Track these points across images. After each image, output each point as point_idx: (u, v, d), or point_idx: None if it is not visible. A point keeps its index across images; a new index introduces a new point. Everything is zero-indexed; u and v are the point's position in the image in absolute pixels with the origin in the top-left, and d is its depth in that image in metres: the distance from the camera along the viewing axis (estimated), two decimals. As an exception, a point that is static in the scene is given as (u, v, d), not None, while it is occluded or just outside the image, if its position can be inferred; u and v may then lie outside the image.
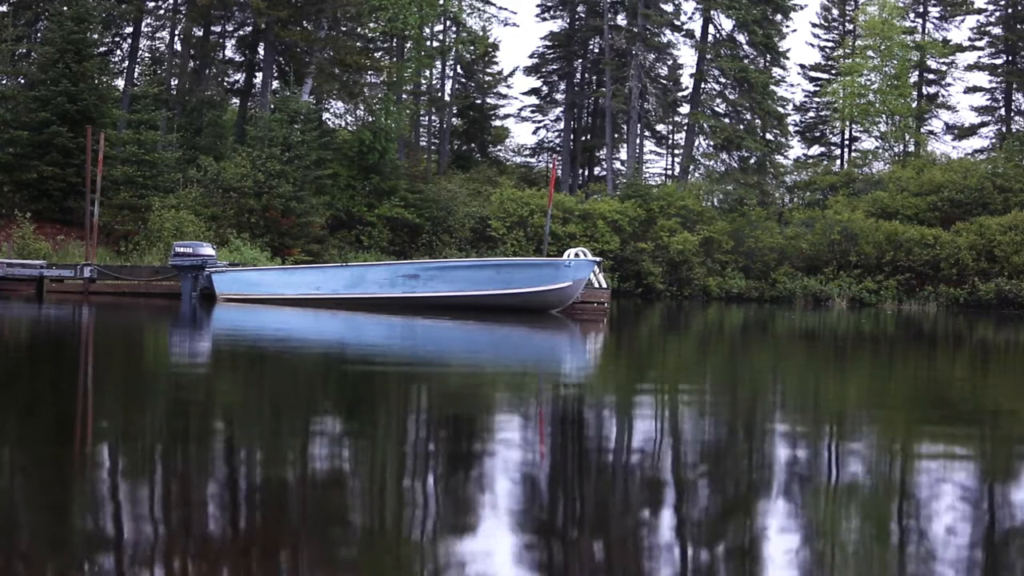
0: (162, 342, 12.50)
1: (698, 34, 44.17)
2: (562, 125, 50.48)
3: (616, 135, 46.57)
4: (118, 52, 39.38)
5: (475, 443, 5.45)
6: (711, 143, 44.84)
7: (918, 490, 4.61)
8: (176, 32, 38.21)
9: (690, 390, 8.78)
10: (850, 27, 50.26)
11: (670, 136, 54.21)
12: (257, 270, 21.65)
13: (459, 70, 48.83)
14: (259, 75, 36.99)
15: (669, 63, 48.55)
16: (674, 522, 3.91)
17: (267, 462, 4.79)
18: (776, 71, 45.96)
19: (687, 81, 48.19)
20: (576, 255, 20.08)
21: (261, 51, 36.08)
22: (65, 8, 29.33)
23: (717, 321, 22.75)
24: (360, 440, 5.52)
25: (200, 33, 36.86)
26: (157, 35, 42.28)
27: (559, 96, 50.51)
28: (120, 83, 35.37)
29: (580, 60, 49.04)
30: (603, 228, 34.85)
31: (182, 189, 28.86)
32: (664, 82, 47.80)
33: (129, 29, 38.00)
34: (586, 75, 49.72)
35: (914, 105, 46.19)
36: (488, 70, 52.15)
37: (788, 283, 35.92)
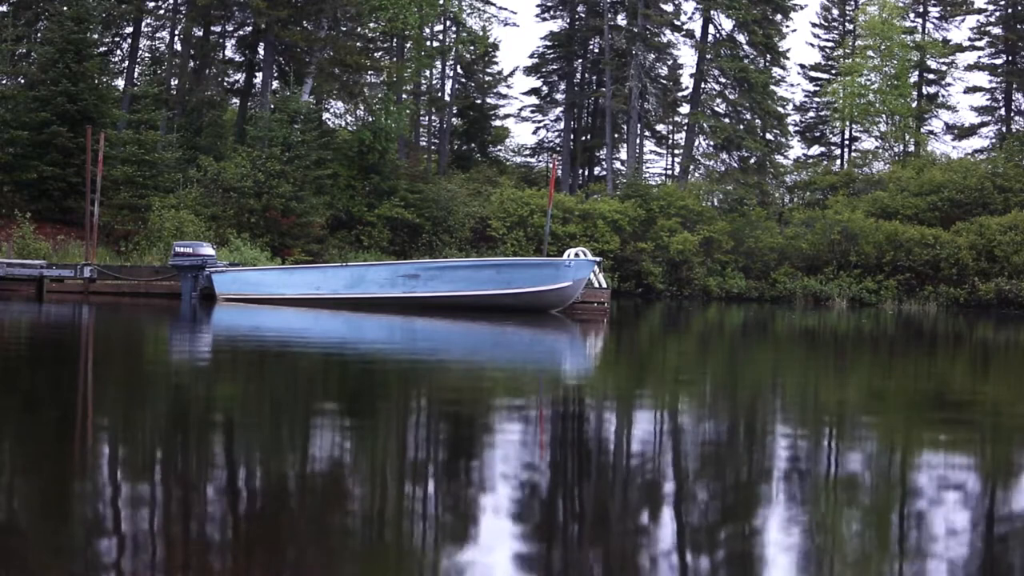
0: (162, 342, 12.50)
1: (698, 34, 44.16)
2: (562, 125, 50.45)
3: (616, 135, 46.54)
4: (118, 52, 39.38)
5: (475, 443, 5.45)
6: (711, 143, 44.81)
7: (919, 491, 4.61)
8: (176, 32, 38.20)
9: (691, 390, 8.77)
10: (850, 27, 50.24)
11: (670, 136, 54.20)
12: (257, 270, 21.64)
13: (459, 70, 48.80)
14: (259, 75, 36.97)
15: (669, 63, 48.55)
16: (674, 522, 3.91)
17: (266, 462, 4.79)
18: (776, 71, 45.92)
19: (687, 81, 48.21)
20: (576, 255, 20.07)
21: (261, 51, 36.06)
22: (65, 8, 29.29)
23: (717, 321, 22.74)
24: (360, 440, 5.52)
25: (200, 33, 36.84)
26: (157, 35, 42.31)
27: (559, 96, 50.47)
28: (120, 83, 35.35)
29: (580, 60, 49.02)
30: (603, 228, 34.82)
31: (182, 189, 28.85)
32: (664, 82, 47.77)
33: (129, 29, 37.99)
34: (586, 75, 49.69)
35: (914, 105, 46.17)
36: (488, 70, 52.12)
37: (788, 283, 35.90)
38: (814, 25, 52.51)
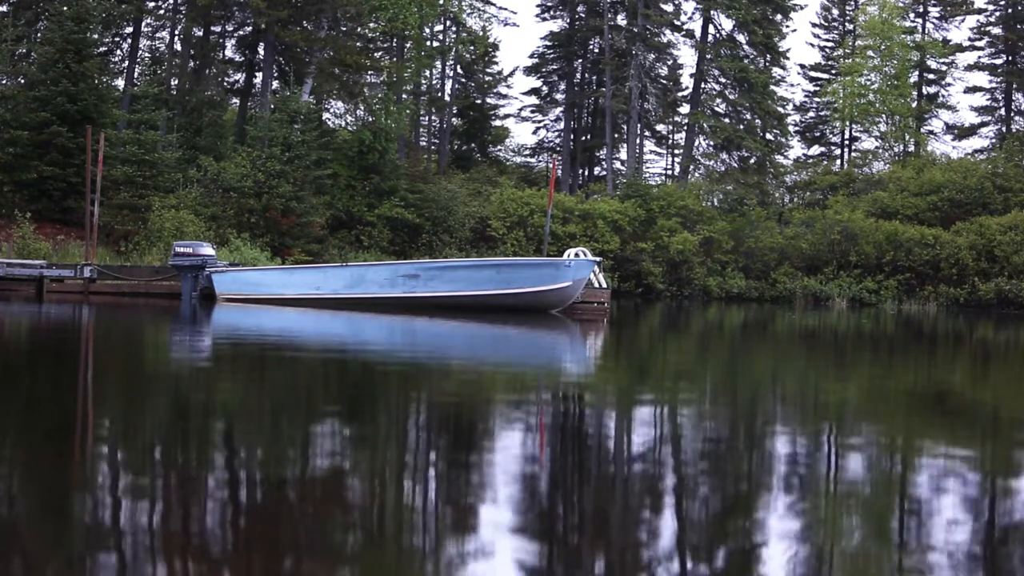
0: (162, 343, 12.50)
1: (698, 34, 44.19)
2: (562, 125, 50.47)
3: (616, 135, 46.55)
4: (118, 52, 39.39)
5: (475, 444, 5.45)
6: (711, 143, 44.83)
7: (920, 492, 4.61)
8: (176, 32, 38.21)
9: (691, 390, 8.77)
10: (850, 27, 50.26)
11: (670, 136, 54.21)
12: (257, 270, 21.64)
13: (459, 70, 48.82)
14: (259, 75, 36.98)
15: (669, 63, 48.57)
16: (674, 523, 3.91)
17: (266, 463, 4.79)
18: (776, 71, 45.95)
19: (687, 81, 48.25)
20: (576, 255, 20.07)
21: (261, 51, 36.07)
22: (65, 8, 29.29)
23: (717, 321, 22.74)
24: (360, 441, 5.51)
25: (200, 33, 36.85)
26: (157, 35, 42.33)
27: (559, 96, 50.49)
28: (120, 83, 35.35)
29: (580, 60, 49.03)
30: (603, 228, 34.83)
31: (182, 189, 28.85)
32: (664, 82, 47.78)
33: (129, 29, 38.00)
34: (586, 75, 49.71)
35: (914, 105, 46.17)
36: (488, 70, 52.13)
37: (788, 283, 35.90)
38: (814, 25, 52.60)
